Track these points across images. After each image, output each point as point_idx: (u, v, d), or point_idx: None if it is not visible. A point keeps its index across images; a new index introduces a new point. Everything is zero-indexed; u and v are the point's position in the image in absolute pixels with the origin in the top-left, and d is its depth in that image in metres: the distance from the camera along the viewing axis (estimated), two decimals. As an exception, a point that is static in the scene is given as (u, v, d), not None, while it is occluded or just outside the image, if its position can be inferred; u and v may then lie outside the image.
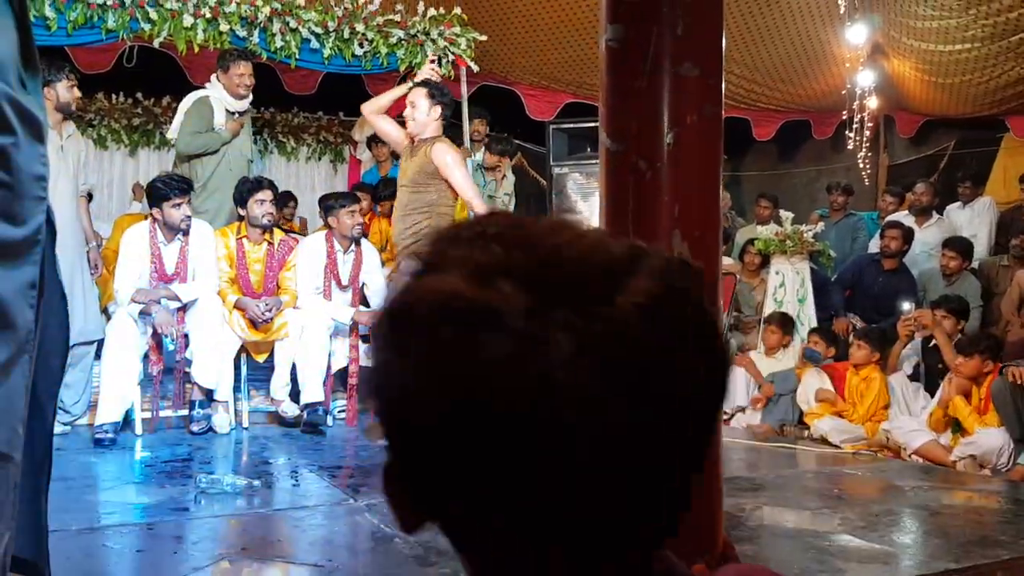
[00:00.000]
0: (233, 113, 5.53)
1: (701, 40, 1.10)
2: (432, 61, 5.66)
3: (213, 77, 5.55)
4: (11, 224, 1.07)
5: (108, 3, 5.25)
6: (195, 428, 4.77)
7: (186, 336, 4.80)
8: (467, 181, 4.67)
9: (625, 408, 0.50)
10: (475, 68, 6.48)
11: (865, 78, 7.40)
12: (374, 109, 5.07)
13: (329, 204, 5.35)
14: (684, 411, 0.53)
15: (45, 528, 1.32)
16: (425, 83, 4.83)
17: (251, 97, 5.64)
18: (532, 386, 0.49)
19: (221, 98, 5.48)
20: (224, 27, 5.52)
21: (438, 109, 4.67)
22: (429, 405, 0.52)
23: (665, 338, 0.52)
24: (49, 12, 5.12)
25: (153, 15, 5.36)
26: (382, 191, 6.68)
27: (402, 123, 4.91)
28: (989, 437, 4.49)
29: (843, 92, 7.42)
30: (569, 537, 0.54)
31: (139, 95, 7.91)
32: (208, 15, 5.48)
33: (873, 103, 7.62)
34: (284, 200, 7.17)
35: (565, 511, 0.52)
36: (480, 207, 4.56)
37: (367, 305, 5.43)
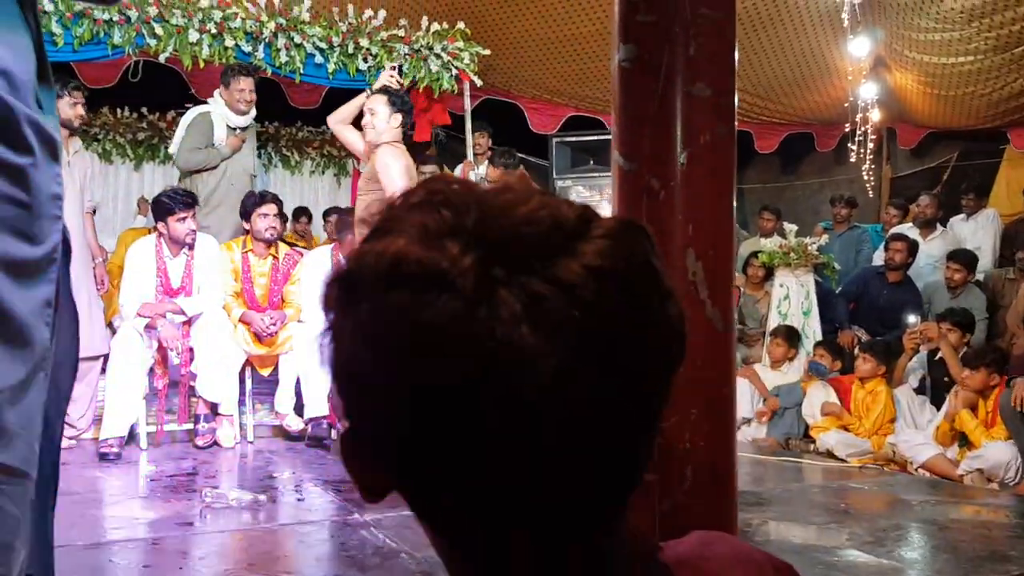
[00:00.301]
0: (234, 129, 5.56)
1: (714, 60, 1.10)
2: (392, 68, 5.44)
3: (216, 92, 5.59)
4: (29, 243, 1.08)
5: (114, 19, 5.28)
6: (200, 442, 4.77)
7: (191, 350, 4.80)
8: (396, 189, 4.60)
9: (575, 375, 0.49)
10: (478, 82, 6.51)
11: (868, 91, 7.41)
12: (339, 119, 4.98)
13: (350, 222, 5.33)
14: (635, 375, 0.52)
15: (51, 544, 1.33)
16: (385, 90, 4.67)
17: (254, 112, 5.67)
18: (480, 350, 0.48)
19: (223, 114, 5.52)
20: (229, 42, 5.54)
21: (398, 117, 4.50)
22: (377, 370, 0.51)
23: (615, 301, 0.51)
24: (56, 28, 5.14)
25: (159, 31, 5.39)
26: None
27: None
28: (996, 450, 4.47)
29: (845, 105, 7.44)
30: (532, 521, 0.53)
31: (144, 110, 7.92)
32: (213, 30, 5.51)
33: (876, 115, 7.64)
34: (297, 215, 7.16)
35: (524, 493, 0.51)
36: None
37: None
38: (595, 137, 7.03)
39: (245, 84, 5.51)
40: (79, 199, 4.78)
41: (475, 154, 6.78)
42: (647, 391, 0.54)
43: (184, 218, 4.77)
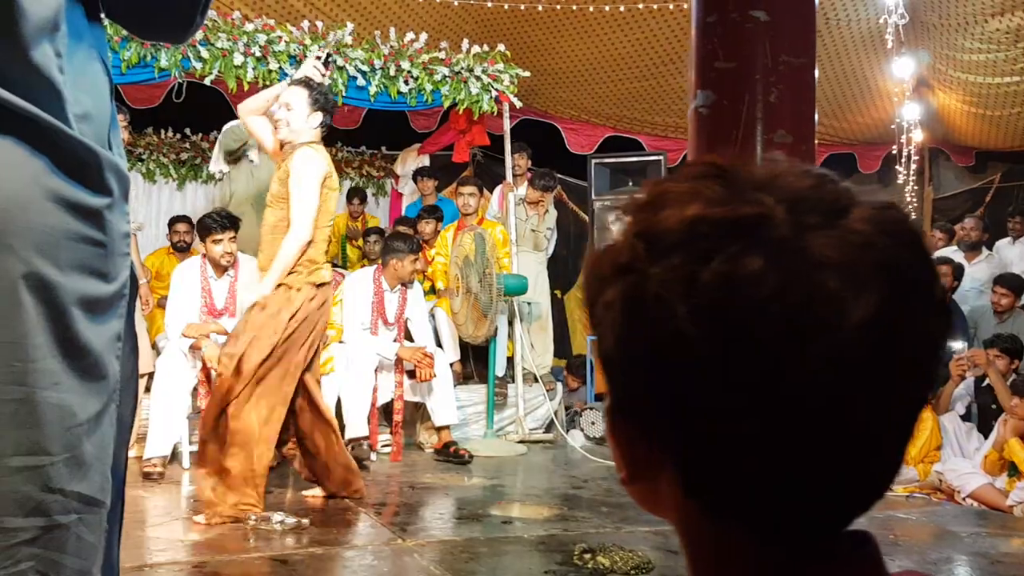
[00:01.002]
0: None
1: (795, 107, 1.08)
2: (318, 58, 4.23)
3: None
4: (104, 281, 1.12)
5: (161, 43, 5.37)
6: (241, 462, 4.79)
7: (233, 371, 4.82)
8: (305, 202, 3.75)
9: (874, 332, 0.49)
10: (518, 104, 6.52)
11: (911, 111, 7.34)
12: (250, 109, 4.12)
13: (396, 247, 5.35)
14: (919, 344, 0.51)
15: (117, 569, 1.37)
16: (307, 83, 3.92)
17: None
18: (795, 297, 0.48)
19: None
20: (273, 65, 5.62)
21: (319, 116, 3.83)
22: (686, 324, 0.50)
23: (904, 262, 0.51)
24: (104, 51, 5.23)
25: (204, 54, 5.48)
26: (424, 216, 6.77)
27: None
28: (1047, 481, 4.38)
29: (892, 127, 7.37)
30: (805, 508, 0.52)
31: (187, 131, 8.05)
32: (258, 53, 5.58)
33: (919, 136, 7.56)
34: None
35: (809, 467, 0.50)
36: (300, 236, 3.73)
37: (411, 340, 5.45)
38: (634, 158, 7.02)
39: None
40: (125, 221, 4.86)
41: (514, 175, 6.78)
42: (925, 369, 0.53)
43: (219, 240, 4.80)
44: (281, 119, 3.81)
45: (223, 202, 5.54)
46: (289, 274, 3.72)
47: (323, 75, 4.12)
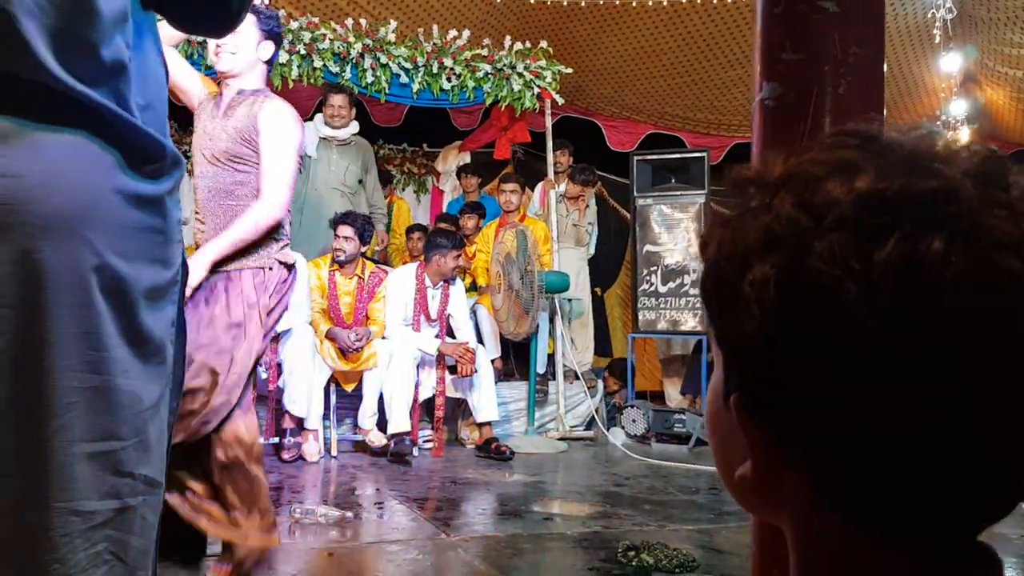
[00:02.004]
0: (330, 139, 5.87)
1: (864, 99, 1.07)
2: None
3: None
4: (164, 267, 1.15)
5: (208, 40, 5.44)
6: (286, 456, 4.85)
7: (279, 365, 4.88)
8: (285, 168, 2.85)
9: None
10: (560, 101, 6.51)
11: (957, 108, 7.23)
12: (166, 37, 2.67)
13: (440, 242, 5.38)
14: None
15: (156, 555, 1.41)
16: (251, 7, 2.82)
17: (355, 127, 5.92)
18: (980, 274, 0.44)
19: (317, 126, 5.84)
20: (318, 63, 5.68)
21: (270, 46, 2.99)
22: (857, 305, 0.45)
23: None
24: (153, 50, 5.31)
25: (250, 52, 5.53)
26: (466, 211, 6.78)
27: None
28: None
29: (938, 123, 7.26)
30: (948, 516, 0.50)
31: (231, 128, 8.13)
32: (303, 51, 5.63)
33: (965, 133, 7.44)
34: (409, 232, 7.15)
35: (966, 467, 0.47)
36: (276, 207, 2.79)
37: (453, 337, 5.47)
38: (677, 155, 6.97)
39: (334, 100, 5.80)
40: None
41: (556, 172, 6.78)
42: None
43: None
44: (221, 44, 2.92)
45: None
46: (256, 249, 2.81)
47: (265, 3, 3.07)
